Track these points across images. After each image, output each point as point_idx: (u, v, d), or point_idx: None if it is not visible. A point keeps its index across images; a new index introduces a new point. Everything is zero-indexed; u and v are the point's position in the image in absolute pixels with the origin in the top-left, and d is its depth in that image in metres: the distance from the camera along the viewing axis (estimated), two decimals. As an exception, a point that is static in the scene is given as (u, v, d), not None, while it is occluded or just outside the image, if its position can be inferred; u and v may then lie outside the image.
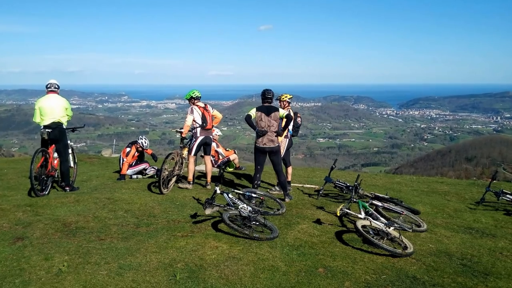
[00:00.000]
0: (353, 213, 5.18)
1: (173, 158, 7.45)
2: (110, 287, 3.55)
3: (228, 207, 5.34)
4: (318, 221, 5.61)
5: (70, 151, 7.35)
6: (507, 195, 6.80)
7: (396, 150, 79.95)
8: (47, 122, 6.76)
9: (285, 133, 7.13)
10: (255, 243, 4.63)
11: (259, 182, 6.80)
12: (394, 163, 65.47)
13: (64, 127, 7.01)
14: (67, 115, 7.04)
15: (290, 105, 7.50)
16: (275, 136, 6.68)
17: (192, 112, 7.36)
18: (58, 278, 3.66)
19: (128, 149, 8.67)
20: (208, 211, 5.17)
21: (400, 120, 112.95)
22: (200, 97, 7.53)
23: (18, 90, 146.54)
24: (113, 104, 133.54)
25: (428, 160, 54.51)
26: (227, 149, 9.48)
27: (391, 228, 4.77)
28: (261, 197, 5.99)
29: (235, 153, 9.41)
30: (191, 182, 7.54)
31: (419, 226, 5.46)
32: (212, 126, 7.69)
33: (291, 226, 5.39)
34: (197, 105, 7.42)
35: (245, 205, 5.26)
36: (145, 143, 8.82)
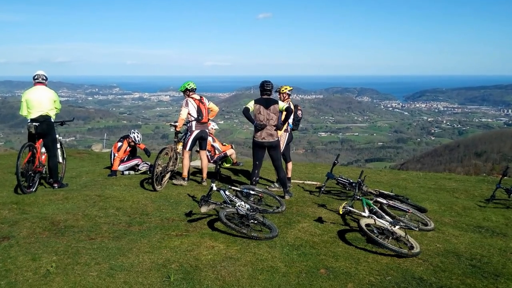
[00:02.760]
0: (356, 211, 5.10)
1: (167, 153, 7.37)
2: (100, 289, 3.51)
3: (225, 204, 5.26)
4: (320, 220, 5.55)
5: (58, 145, 7.27)
6: None
7: (401, 145, 79.79)
8: (34, 115, 6.65)
9: (285, 127, 7.05)
10: (253, 243, 4.57)
11: (257, 179, 6.73)
12: (399, 159, 65.57)
13: (53, 120, 6.90)
14: (56, 108, 6.95)
15: (290, 97, 7.41)
16: (275, 130, 6.59)
17: (187, 104, 7.29)
18: (46, 280, 3.59)
19: (119, 144, 8.60)
20: (203, 209, 5.09)
21: (406, 113, 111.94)
22: (195, 89, 7.47)
23: (3, 81, 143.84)
24: (104, 96, 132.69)
25: (435, 155, 54.31)
26: (224, 143, 9.54)
27: (397, 227, 4.71)
28: (260, 194, 5.93)
29: (232, 148, 9.48)
30: (186, 179, 7.46)
31: (426, 224, 5.39)
32: (208, 119, 7.63)
33: (291, 224, 5.33)
34: (192, 98, 7.35)
35: (242, 203, 5.21)
36: (138, 137, 8.73)
